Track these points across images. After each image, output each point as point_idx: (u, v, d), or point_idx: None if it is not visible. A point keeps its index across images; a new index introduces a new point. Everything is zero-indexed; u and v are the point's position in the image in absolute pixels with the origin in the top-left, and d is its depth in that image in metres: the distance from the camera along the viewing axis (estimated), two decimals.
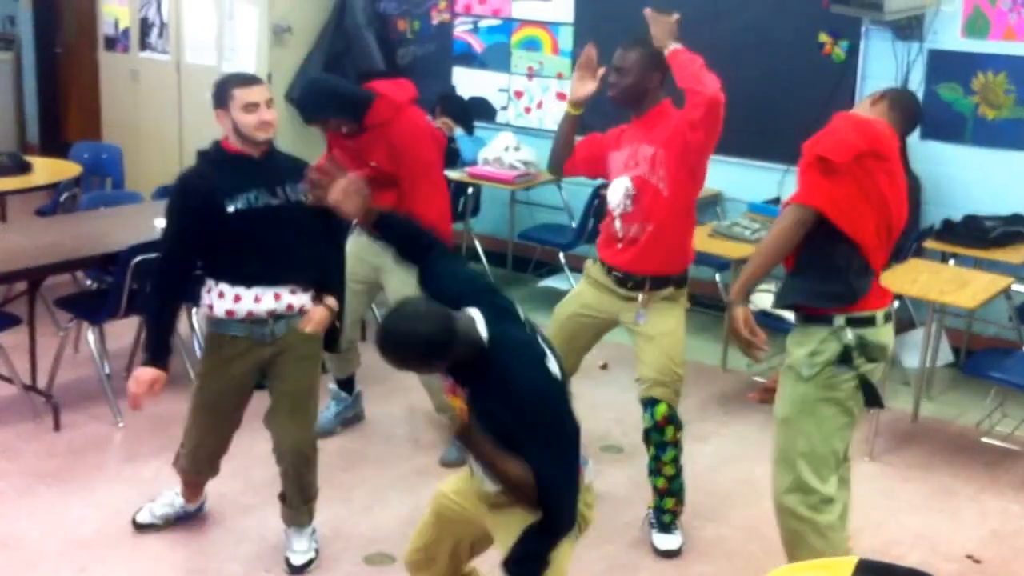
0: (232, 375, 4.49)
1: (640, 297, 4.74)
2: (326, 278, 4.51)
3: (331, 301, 4.50)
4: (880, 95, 4.03)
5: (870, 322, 3.87)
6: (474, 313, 3.29)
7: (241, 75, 4.49)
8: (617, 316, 4.85)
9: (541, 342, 3.42)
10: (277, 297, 4.38)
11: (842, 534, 4.03)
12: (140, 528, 4.88)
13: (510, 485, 3.29)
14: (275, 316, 4.40)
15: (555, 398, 3.35)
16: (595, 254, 4.97)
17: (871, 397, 3.93)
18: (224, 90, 4.32)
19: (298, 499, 4.65)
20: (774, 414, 4.03)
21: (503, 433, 3.24)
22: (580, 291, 5.01)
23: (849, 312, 3.84)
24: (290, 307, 4.41)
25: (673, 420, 4.75)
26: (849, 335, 3.83)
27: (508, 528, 3.44)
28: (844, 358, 3.83)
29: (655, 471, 4.83)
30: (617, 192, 4.73)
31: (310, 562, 4.64)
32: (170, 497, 4.93)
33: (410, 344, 3.19)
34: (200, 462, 4.73)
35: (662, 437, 4.75)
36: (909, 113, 4.04)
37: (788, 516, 3.99)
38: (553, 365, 3.37)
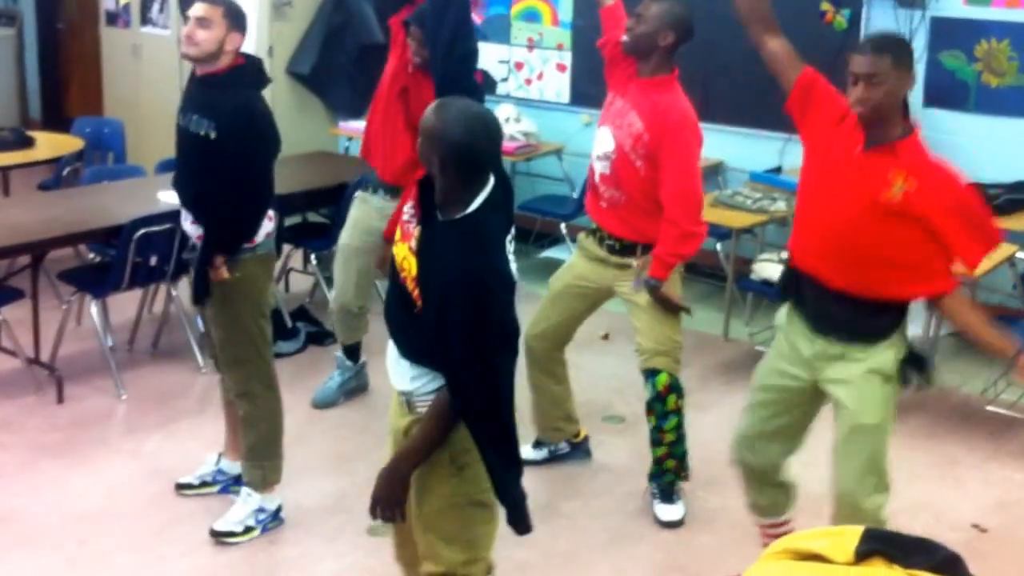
0: None
1: (634, 263, 4.73)
2: (208, 221, 4.44)
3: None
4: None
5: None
6: (490, 180, 3.10)
7: None
8: (612, 286, 4.83)
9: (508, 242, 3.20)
10: (186, 219, 4.55)
11: None
12: (178, 488, 4.96)
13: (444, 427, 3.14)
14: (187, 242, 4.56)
15: (497, 298, 3.06)
16: (589, 223, 4.97)
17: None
18: None
19: (247, 453, 4.68)
20: (850, 421, 3.83)
21: (433, 305, 3.04)
22: (574, 263, 5.00)
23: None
24: (199, 237, 4.45)
25: (675, 388, 4.76)
26: (908, 332, 3.81)
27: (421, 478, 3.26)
28: (912, 354, 3.82)
29: (657, 441, 4.84)
30: (601, 144, 4.73)
31: (229, 534, 4.61)
32: (211, 458, 5.01)
33: (442, 129, 3.01)
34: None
35: (664, 407, 4.75)
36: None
37: (870, 521, 3.79)
38: (512, 262, 3.17)
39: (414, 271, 3.10)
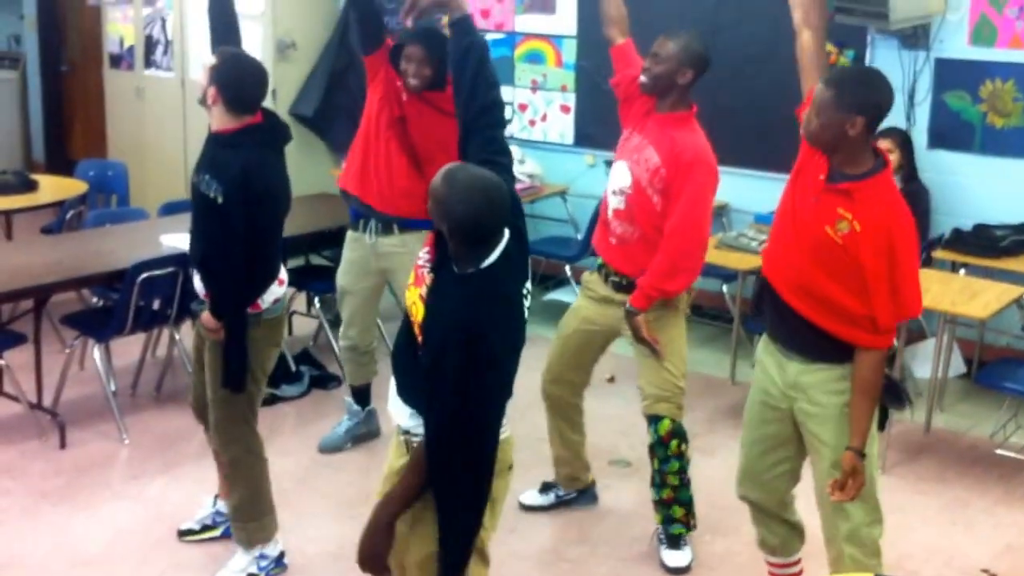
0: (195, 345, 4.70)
1: None
2: (211, 282, 4.40)
3: (205, 316, 4.38)
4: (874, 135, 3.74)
5: None
6: (504, 233, 3.11)
7: None
8: (618, 326, 4.80)
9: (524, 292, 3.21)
10: (196, 275, 4.50)
11: None
12: (180, 535, 4.91)
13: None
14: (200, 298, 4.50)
15: (496, 355, 3.06)
16: (594, 264, 4.95)
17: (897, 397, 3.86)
18: None
19: (230, 512, 4.64)
20: (831, 456, 3.76)
21: (432, 353, 3.04)
22: (579, 305, 4.98)
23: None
24: (206, 295, 4.42)
25: (677, 434, 4.72)
26: (916, 374, 3.79)
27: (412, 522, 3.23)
28: (887, 381, 3.78)
29: (659, 484, 4.80)
30: (618, 178, 4.71)
31: None
32: (208, 501, 4.97)
33: (447, 201, 3.03)
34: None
35: (666, 451, 4.73)
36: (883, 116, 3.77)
37: (869, 552, 3.83)
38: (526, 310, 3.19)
39: (420, 317, 3.11)
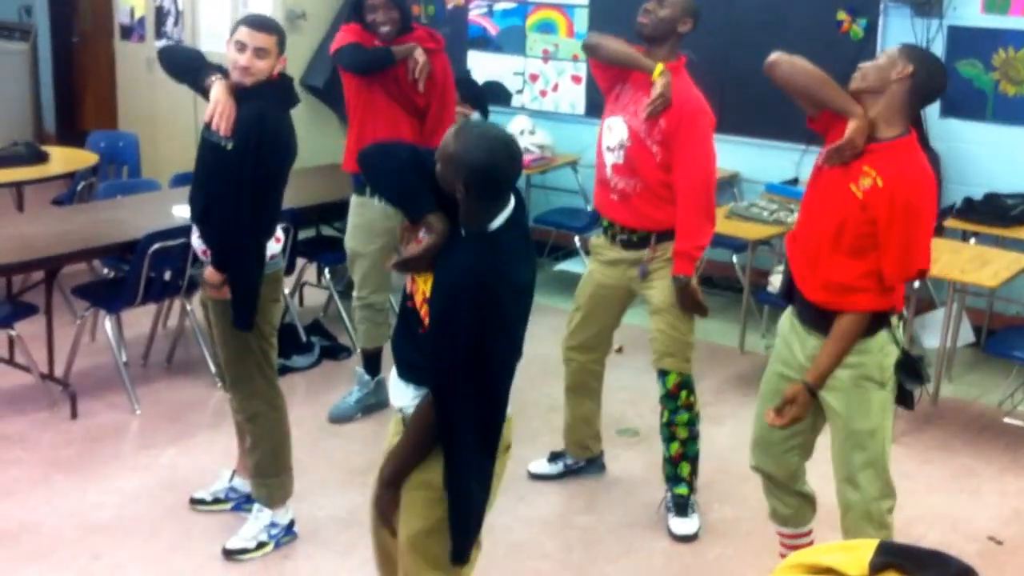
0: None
1: (646, 253, 4.71)
2: (213, 235, 4.43)
3: (209, 271, 4.41)
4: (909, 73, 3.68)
5: (901, 317, 3.85)
6: (511, 198, 3.14)
7: (253, 16, 4.49)
8: (630, 285, 4.82)
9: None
10: (195, 233, 4.53)
11: None
12: (192, 503, 4.94)
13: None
14: (197, 258, 4.55)
15: (506, 312, 3.06)
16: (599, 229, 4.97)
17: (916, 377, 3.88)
18: (235, 24, 4.38)
19: (252, 469, 4.68)
20: (845, 427, 3.83)
21: (440, 314, 3.05)
22: (591, 270, 5.01)
23: (897, 310, 3.81)
24: (205, 252, 4.47)
25: (685, 385, 4.77)
26: (901, 333, 3.81)
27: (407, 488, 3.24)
28: (905, 357, 3.80)
29: (669, 436, 4.83)
30: (613, 134, 4.72)
31: (242, 551, 4.59)
32: (225, 474, 4.99)
33: (464, 154, 3.00)
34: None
35: (676, 403, 4.78)
36: (931, 92, 3.81)
37: (876, 525, 3.86)
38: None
39: (427, 287, 3.11)
